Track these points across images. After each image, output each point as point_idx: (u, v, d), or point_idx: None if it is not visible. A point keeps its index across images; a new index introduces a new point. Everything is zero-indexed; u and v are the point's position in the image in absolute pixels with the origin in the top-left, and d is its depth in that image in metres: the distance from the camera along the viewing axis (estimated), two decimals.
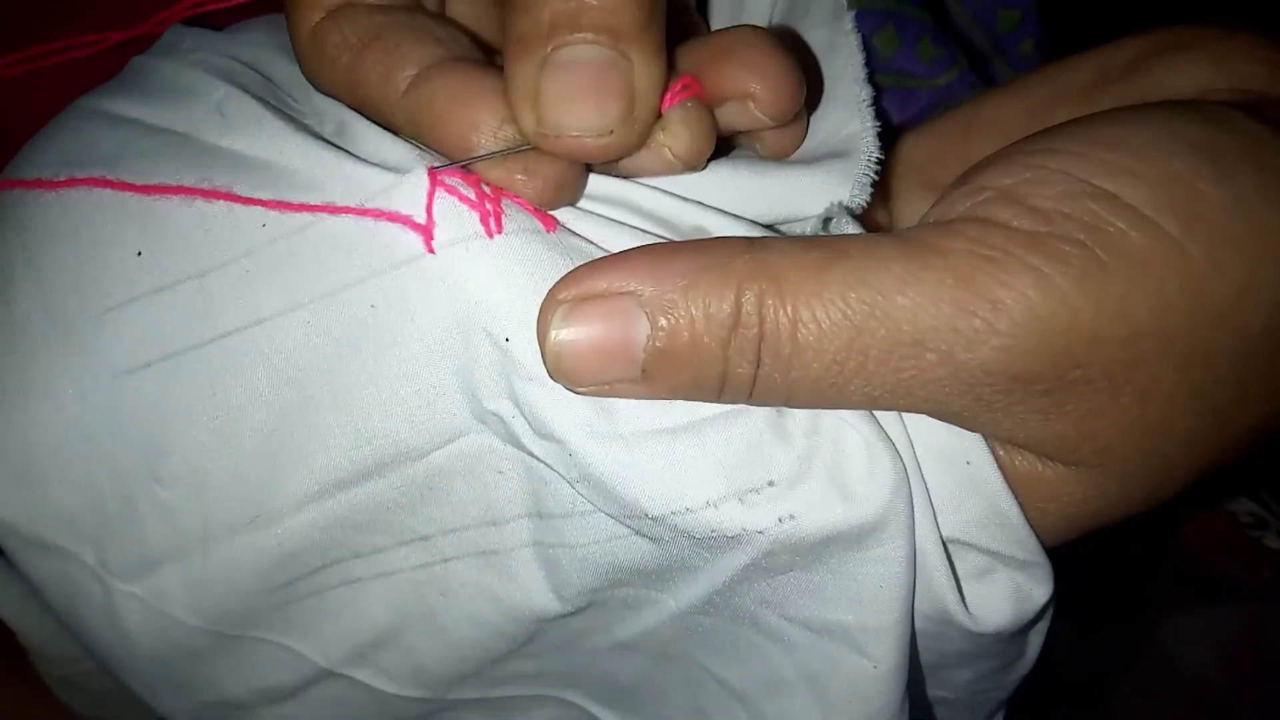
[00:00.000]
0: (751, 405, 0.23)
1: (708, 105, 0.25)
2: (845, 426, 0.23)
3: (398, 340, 0.24)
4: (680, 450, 0.23)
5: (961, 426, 0.23)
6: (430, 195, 0.23)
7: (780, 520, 0.22)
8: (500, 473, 0.25)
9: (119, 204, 0.25)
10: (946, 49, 0.42)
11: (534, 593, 0.26)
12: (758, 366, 0.22)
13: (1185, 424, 0.22)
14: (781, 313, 0.21)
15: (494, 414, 0.24)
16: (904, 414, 0.24)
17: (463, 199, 0.23)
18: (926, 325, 0.21)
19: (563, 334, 0.22)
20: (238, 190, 0.24)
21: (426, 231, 0.23)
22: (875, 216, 0.32)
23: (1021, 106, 0.30)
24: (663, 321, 0.22)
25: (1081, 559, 0.28)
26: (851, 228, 0.26)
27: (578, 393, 0.23)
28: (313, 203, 0.24)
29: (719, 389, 0.22)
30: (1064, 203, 0.21)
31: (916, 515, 0.23)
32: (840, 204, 0.26)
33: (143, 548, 0.26)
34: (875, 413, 0.24)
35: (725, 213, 0.26)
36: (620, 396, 0.23)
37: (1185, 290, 0.21)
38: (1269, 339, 0.22)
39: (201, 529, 0.26)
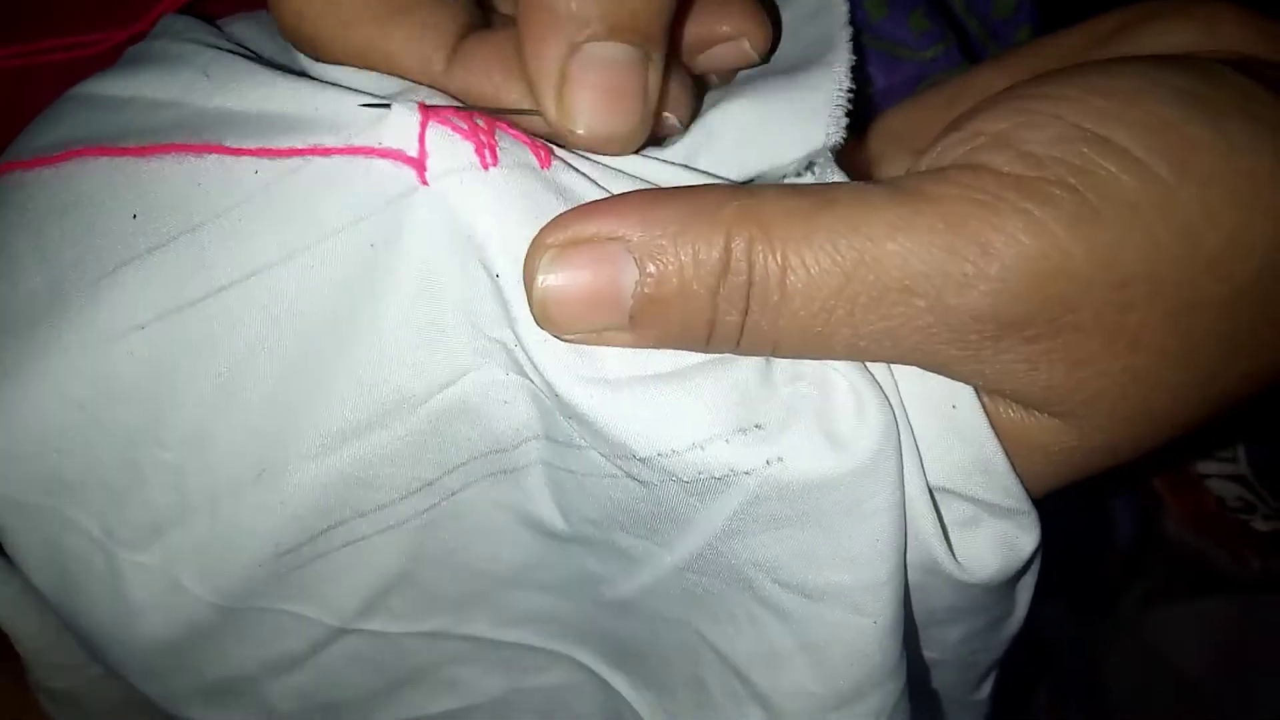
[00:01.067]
0: (739, 354, 0.23)
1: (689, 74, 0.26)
2: (832, 372, 0.23)
3: (396, 278, 0.24)
4: (666, 393, 0.23)
5: (949, 376, 0.23)
6: (423, 126, 0.23)
7: (768, 462, 0.22)
8: (506, 403, 0.25)
9: (115, 171, 0.25)
10: (937, 24, 0.42)
11: (542, 505, 0.26)
12: (745, 314, 0.22)
13: (1175, 374, 0.22)
14: (770, 259, 0.21)
15: (498, 341, 0.24)
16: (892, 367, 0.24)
17: (456, 129, 0.23)
18: (916, 271, 0.21)
19: (549, 279, 0.22)
20: (228, 143, 0.24)
21: (420, 164, 0.23)
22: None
23: (1008, 77, 0.30)
24: (651, 268, 0.21)
25: (1073, 552, 0.27)
26: (837, 177, 0.26)
27: (564, 340, 0.22)
28: (300, 146, 0.24)
29: (707, 336, 0.22)
30: (1055, 146, 0.21)
31: (904, 462, 0.23)
32: (826, 149, 0.26)
33: (148, 514, 0.26)
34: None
35: (707, 175, 0.26)
36: (607, 344, 0.23)
37: (1176, 235, 0.21)
38: (1259, 289, 0.21)
39: (208, 489, 0.26)
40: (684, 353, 0.23)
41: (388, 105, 0.23)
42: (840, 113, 0.26)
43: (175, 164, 0.24)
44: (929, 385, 0.24)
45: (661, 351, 0.23)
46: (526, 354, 0.23)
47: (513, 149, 0.23)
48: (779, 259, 0.21)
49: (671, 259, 0.21)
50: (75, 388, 0.25)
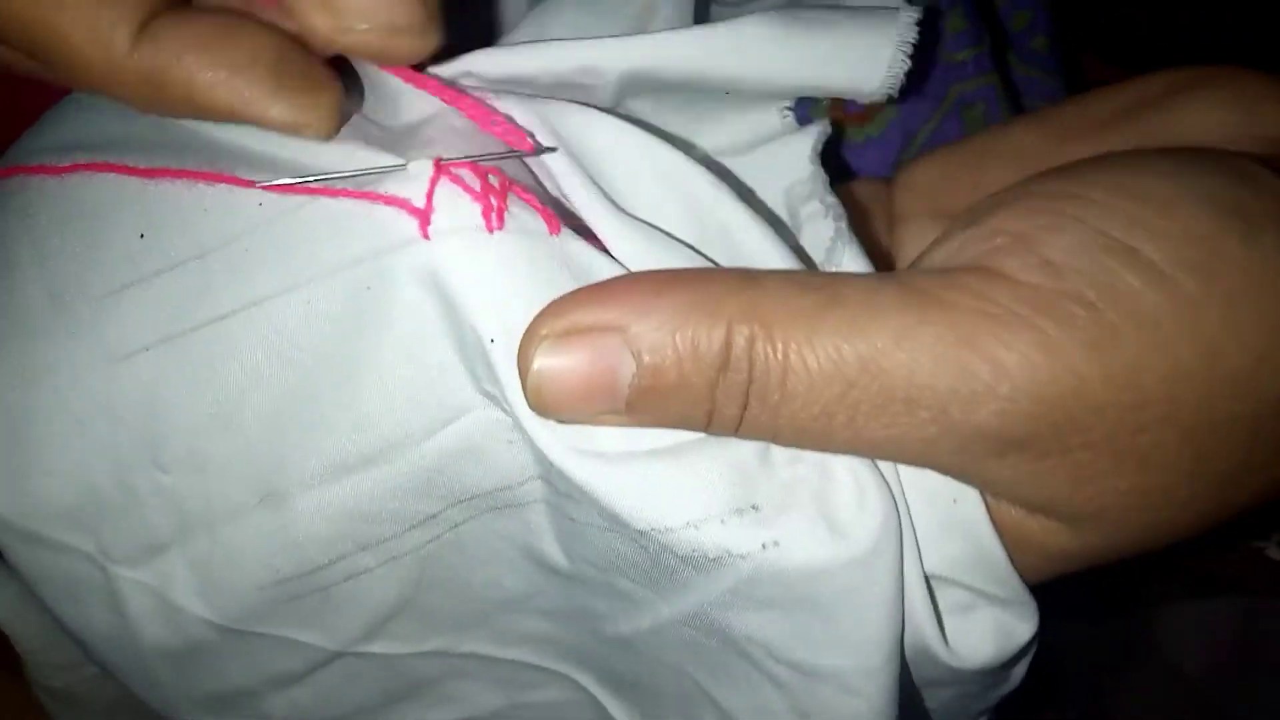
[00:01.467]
0: (738, 439, 0.23)
1: None
2: (832, 457, 0.23)
3: (393, 322, 0.23)
4: (661, 470, 0.22)
5: (951, 477, 0.23)
6: (434, 182, 0.23)
7: (764, 546, 0.22)
8: (510, 442, 0.25)
9: (121, 186, 0.25)
10: (974, 26, 0.40)
11: (544, 540, 0.26)
12: (744, 408, 0.21)
13: (1185, 490, 0.21)
14: (772, 359, 0.20)
15: (491, 395, 0.24)
16: None
17: (467, 189, 0.23)
18: (922, 383, 0.20)
19: (545, 367, 0.21)
20: (238, 173, 0.24)
21: (424, 217, 0.22)
22: (878, 239, 0.32)
23: (1039, 137, 0.29)
24: (648, 360, 0.21)
25: None
26: (852, 255, 0.25)
27: (560, 422, 0.22)
28: (312, 185, 0.24)
29: (705, 425, 0.22)
30: (1077, 255, 0.20)
31: (904, 554, 0.23)
32: (841, 229, 0.25)
33: (146, 534, 0.26)
34: None
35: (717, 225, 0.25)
36: (602, 425, 0.22)
37: (1199, 356, 0.20)
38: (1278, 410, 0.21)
39: (207, 511, 0.26)
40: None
41: (403, 166, 0.23)
42: (902, 58, 0.25)
43: (184, 189, 0.24)
44: (930, 477, 0.23)
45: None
46: (518, 423, 0.23)
47: (522, 214, 0.23)
48: (780, 359, 0.20)
49: (670, 352, 0.21)
50: (78, 404, 0.25)
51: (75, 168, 0.25)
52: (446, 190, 0.23)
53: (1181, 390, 0.20)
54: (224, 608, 0.27)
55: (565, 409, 0.22)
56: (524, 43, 0.27)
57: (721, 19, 0.26)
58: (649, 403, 0.21)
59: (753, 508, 0.22)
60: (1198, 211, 0.20)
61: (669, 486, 0.22)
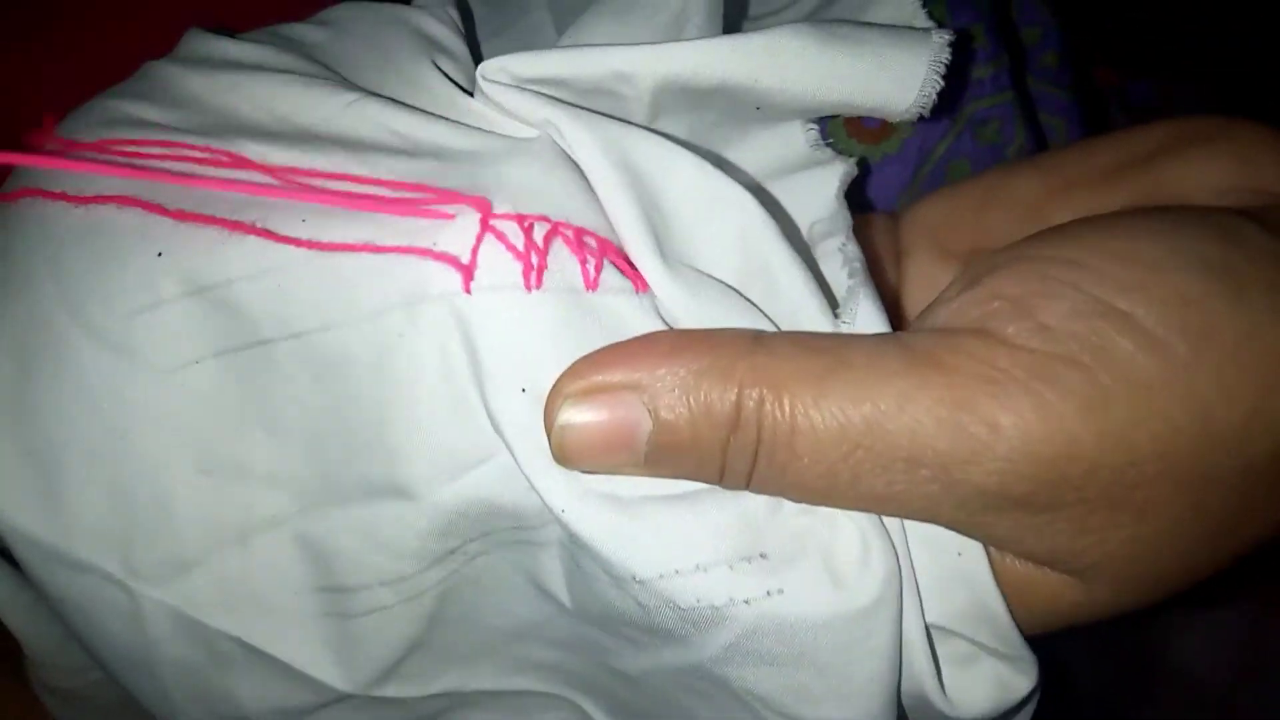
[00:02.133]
0: (750, 492, 0.24)
1: None
2: (840, 513, 0.23)
3: (425, 370, 0.24)
4: (673, 515, 0.23)
5: (953, 531, 0.23)
6: (479, 240, 0.23)
7: (769, 593, 0.23)
8: (530, 490, 0.25)
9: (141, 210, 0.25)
10: (994, 44, 0.40)
11: (552, 581, 0.27)
12: (754, 465, 0.22)
13: (1182, 540, 0.22)
14: (780, 420, 0.21)
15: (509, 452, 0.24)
16: None
17: (509, 247, 0.23)
18: (924, 444, 0.21)
19: (568, 422, 0.22)
20: (271, 225, 0.24)
21: (469, 273, 0.23)
22: (885, 273, 0.32)
23: (1040, 185, 0.29)
24: (664, 417, 0.22)
25: None
26: (866, 306, 0.25)
27: (582, 472, 0.23)
28: (353, 242, 0.24)
29: (717, 480, 0.23)
30: (1072, 320, 0.21)
31: (904, 602, 0.23)
32: (858, 279, 0.26)
33: (177, 549, 0.26)
34: None
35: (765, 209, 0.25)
36: (622, 474, 0.23)
37: (1190, 416, 0.20)
38: (1273, 464, 0.21)
39: (243, 520, 0.26)
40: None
41: (451, 217, 0.23)
42: (935, 79, 0.25)
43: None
44: (935, 531, 0.24)
45: None
46: (527, 478, 0.24)
47: (562, 269, 0.24)
48: (788, 420, 0.21)
49: (684, 412, 0.22)
50: (122, 418, 0.25)
51: (102, 199, 0.25)
52: (491, 247, 0.23)
53: (1174, 448, 0.20)
54: (250, 622, 0.27)
55: (587, 461, 0.23)
56: (559, 47, 0.27)
57: (753, 30, 0.26)
58: (665, 457, 0.23)
59: (760, 556, 0.23)
60: (1188, 274, 0.21)
61: (680, 530, 0.23)
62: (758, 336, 0.23)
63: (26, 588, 0.30)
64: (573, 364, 0.23)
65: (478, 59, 0.31)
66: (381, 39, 0.30)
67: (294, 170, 0.25)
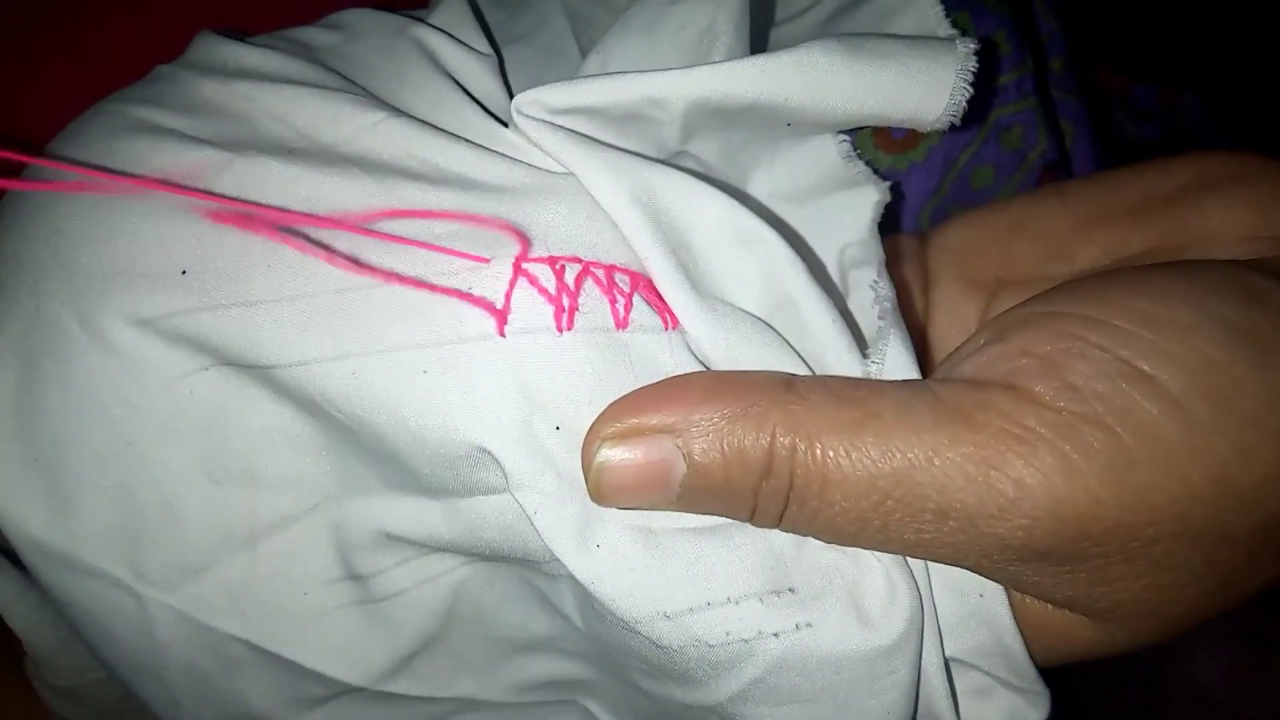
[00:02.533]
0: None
1: None
2: (865, 553, 0.24)
3: (450, 407, 0.24)
4: (705, 549, 0.24)
5: (977, 574, 0.24)
6: (512, 284, 0.23)
7: (797, 626, 0.23)
8: (539, 529, 0.25)
9: (166, 214, 0.24)
10: (1017, 49, 0.39)
11: (566, 606, 0.27)
12: (785, 508, 0.23)
13: (1193, 586, 0.22)
14: (812, 469, 0.22)
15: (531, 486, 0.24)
16: None
17: (542, 291, 0.24)
18: (952, 498, 0.21)
19: (605, 464, 0.23)
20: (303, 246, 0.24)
21: (502, 318, 0.23)
22: (912, 303, 0.33)
23: (1066, 219, 0.30)
24: (698, 460, 0.23)
25: None
26: (895, 346, 0.25)
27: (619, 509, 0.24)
28: (393, 270, 0.24)
29: (749, 519, 0.24)
30: (1098, 380, 0.21)
31: (924, 638, 0.24)
32: (888, 317, 0.26)
33: (185, 554, 0.26)
34: None
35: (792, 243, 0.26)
36: (657, 510, 0.24)
37: (1209, 479, 0.21)
38: None
39: (251, 524, 0.26)
40: None
41: (487, 261, 0.24)
42: (964, 87, 0.25)
43: (243, 238, 0.24)
44: (958, 571, 0.24)
45: None
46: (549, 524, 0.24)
47: (593, 310, 0.24)
48: (819, 470, 0.22)
49: (718, 456, 0.23)
50: (131, 425, 0.25)
51: (142, 183, 0.24)
52: (524, 291, 0.24)
53: (1191, 509, 0.21)
54: (259, 624, 0.27)
55: (622, 499, 0.23)
56: (589, 76, 0.26)
57: (779, 44, 0.26)
58: (697, 498, 0.23)
59: (790, 590, 0.23)
60: (1211, 338, 0.21)
61: (713, 565, 0.23)
62: (789, 382, 0.23)
63: (31, 589, 0.30)
64: (610, 406, 0.23)
65: (501, 65, 0.30)
66: (397, 48, 0.30)
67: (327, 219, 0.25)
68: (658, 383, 0.24)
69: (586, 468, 0.23)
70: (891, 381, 0.24)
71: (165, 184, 0.24)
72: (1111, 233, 0.28)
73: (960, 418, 0.22)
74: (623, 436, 0.23)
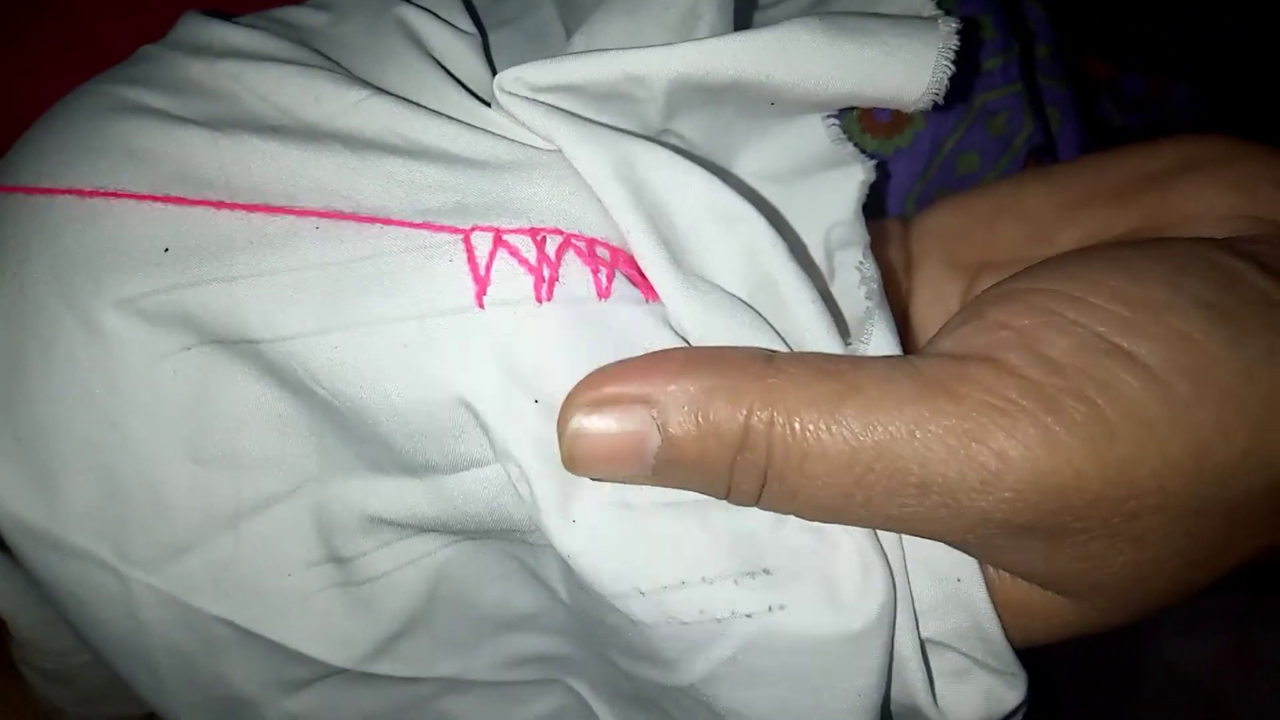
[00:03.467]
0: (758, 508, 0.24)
1: None
2: (843, 533, 0.24)
3: (430, 380, 0.24)
4: (680, 527, 0.24)
5: (958, 550, 0.24)
6: (492, 255, 0.24)
7: (770, 609, 0.23)
8: (523, 498, 0.25)
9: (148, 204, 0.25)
10: (1003, 35, 0.39)
11: (552, 579, 0.27)
12: (763, 485, 0.23)
13: (1174, 561, 0.23)
14: (791, 444, 0.22)
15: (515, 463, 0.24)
16: None
17: (522, 262, 0.24)
18: (934, 471, 0.21)
19: (579, 432, 0.23)
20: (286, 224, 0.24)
21: (482, 288, 0.23)
22: (897, 286, 0.33)
23: (1048, 201, 0.30)
24: (673, 433, 0.22)
25: None
26: (881, 328, 0.26)
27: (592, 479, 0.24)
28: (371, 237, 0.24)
29: (724, 496, 0.23)
30: (1077, 355, 0.21)
31: (899, 621, 0.24)
32: (874, 299, 0.26)
33: (169, 535, 0.26)
34: None
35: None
36: (630, 484, 0.24)
37: (1189, 453, 0.21)
38: (1270, 494, 0.22)
39: (235, 505, 0.26)
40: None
41: (468, 232, 0.24)
42: (946, 66, 0.25)
43: (226, 216, 0.24)
44: (935, 554, 0.24)
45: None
46: (535, 497, 0.24)
47: (574, 280, 0.24)
48: (798, 444, 0.22)
49: (691, 428, 0.22)
50: (114, 406, 0.25)
51: (110, 194, 0.25)
52: (504, 263, 0.24)
53: (1172, 483, 0.21)
54: (243, 606, 0.27)
55: (595, 470, 0.23)
56: (571, 54, 0.26)
57: (762, 24, 0.26)
58: (672, 473, 0.23)
59: (764, 571, 0.23)
60: (1187, 315, 0.22)
61: (688, 544, 0.23)
62: (769, 357, 0.23)
63: (16, 572, 0.30)
64: (587, 375, 0.23)
65: (486, 46, 0.30)
66: (381, 28, 0.30)
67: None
68: (637, 356, 0.24)
69: (561, 434, 0.23)
70: (871, 356, 0.25)
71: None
72: (1094, 215, 0.29)
73: (941, 390, 0.22)
74: (598, 405, 0.23)
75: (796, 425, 0.22)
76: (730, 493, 0.23)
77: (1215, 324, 0.22)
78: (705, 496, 0.24)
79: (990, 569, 0.25)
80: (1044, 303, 0.23)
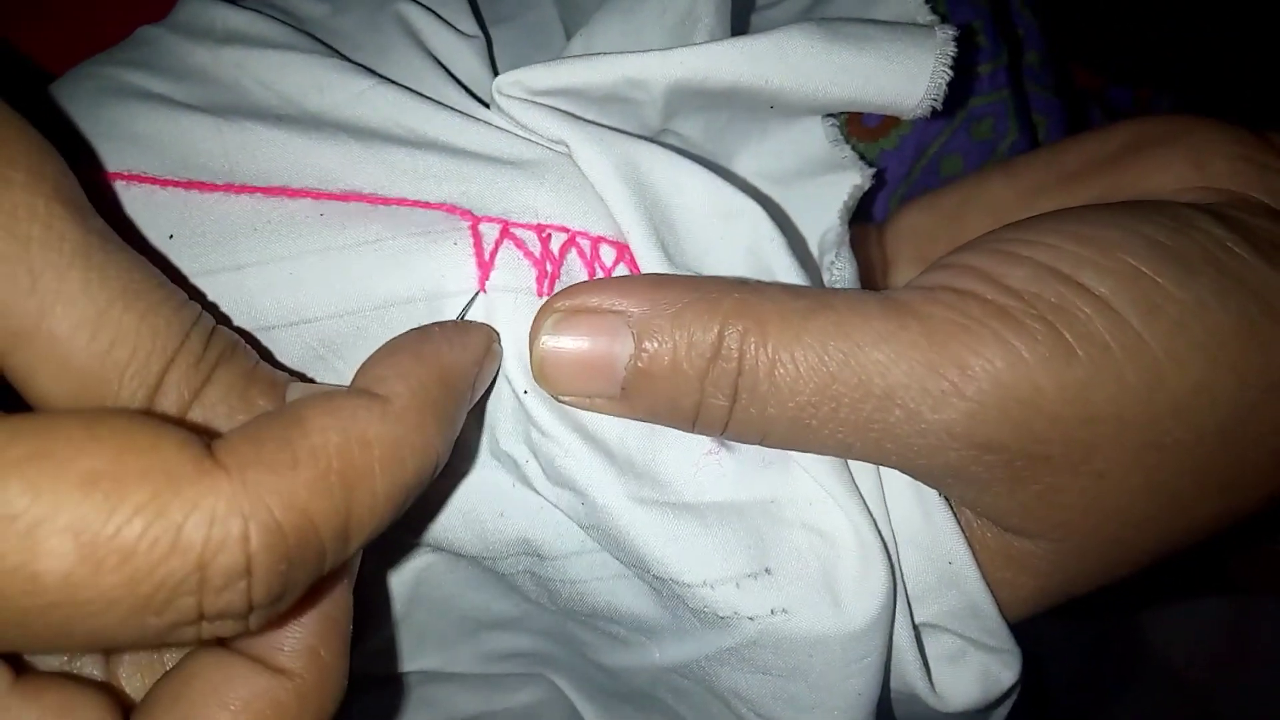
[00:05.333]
0: (727, 439, 0.24)
1: None
2: (842, 522, 0.24)
3: None
4: (684, 527, 0.24)
5: (931, 486, 0.25)
6: (498, 244, 0.24)
7: (772, 612, 0.23)
8: (501, 515, 0.26)
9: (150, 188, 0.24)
10: (993, 42, 0.40)
11: (531, 594, 0.28)
12: (734, 400, 0.23)
13: (1141, 507, 0.23)
14: (761, 351, 0.22)
15: (508, 455, 0.25)
16: (889, 508, 0.25)
17: (527, 254, 0.24)
18: (897, 381, 0.22)
19: (551, 340, 0.23)
20: (289, 212, 0.24)
21: (485, 272, 0.24)
22: (874, 284, 0.33)
23: (1011, 191, 0.31)
24: (646, 344, 0.23)
25: None
26: (848, 262, 0.26)
27: (559, 401, 0.24)
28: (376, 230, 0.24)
29: (693, 417, 0.23)
30: (1035, 283, 0.22)
31: (896, 614, 0.24)
32: (845, 240, 0.27)
33: None
34: (864, 500, 0.24)
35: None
36: (598, 411, 0.24)
37: (1143, 380, 0.22)
38: (1224, 441, 0.22)
39: None
40: (705, 486, 0.24)
41: (478, 219, 0.24)
42: (943, 74, 0.26)
43: (229, 201, 0.24)
44: (927, 539, 0.25)
45: (685, 479, 0.24)
46: (541, 466, 0.24)
47: (574, 278, 0.24)
48: (770, 352, 0.22)
49: (666, 338, 0.22)
50: None
51: (117, 176, 0.24)
52: (509, 252, 0.24)
53: (1128, 410, 0.22)
54: None
55: (565, 383, 0.23)
56: (571, 56, 0.27)
57: (760, 29, 0.26)
58: (642, 387, 0.23)
59: (766, 571, 0.23)
60: (1138, 252, 0.22)
61: (691, 545, 0.23)
62: (744, 280, 0.23)
63: None
64: (565, 288, 0.23)
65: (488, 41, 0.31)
66: (380, 23, 0.30)
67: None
68: (612, 277, 0.24)
69: (533, 341, 0.23)
70: (841, 289, 0.25)
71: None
72: (1054, 198, 0.29)
73: (907, 310, 0.22)
74: (574, 312, 0.23)
75: (769, 334, 0.22)
76: (700, 413, 0.23)
77: (1166, 261, 0.22)
78: (705, 495, 0.24)
79: (972, 524, 0.25)
80: (1002, 246, 0.24)
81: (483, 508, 0.26)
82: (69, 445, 0.15)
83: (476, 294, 0.24)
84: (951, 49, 0.26)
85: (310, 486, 0.17)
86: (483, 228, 0.24)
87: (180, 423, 0.18)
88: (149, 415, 0.17)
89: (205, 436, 0.17)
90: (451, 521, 0.26)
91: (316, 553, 0.17)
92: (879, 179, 0.30)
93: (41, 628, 0.15)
